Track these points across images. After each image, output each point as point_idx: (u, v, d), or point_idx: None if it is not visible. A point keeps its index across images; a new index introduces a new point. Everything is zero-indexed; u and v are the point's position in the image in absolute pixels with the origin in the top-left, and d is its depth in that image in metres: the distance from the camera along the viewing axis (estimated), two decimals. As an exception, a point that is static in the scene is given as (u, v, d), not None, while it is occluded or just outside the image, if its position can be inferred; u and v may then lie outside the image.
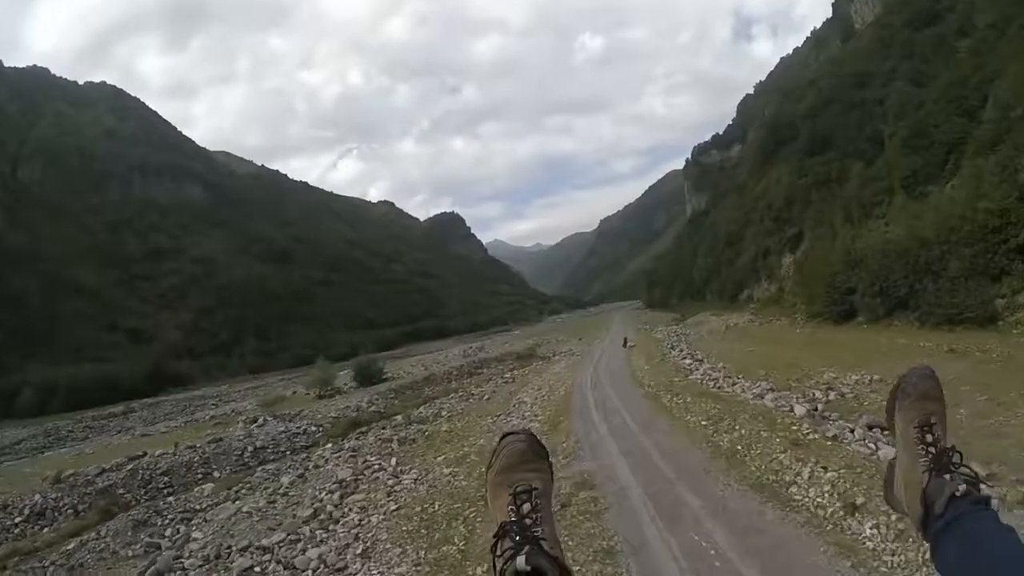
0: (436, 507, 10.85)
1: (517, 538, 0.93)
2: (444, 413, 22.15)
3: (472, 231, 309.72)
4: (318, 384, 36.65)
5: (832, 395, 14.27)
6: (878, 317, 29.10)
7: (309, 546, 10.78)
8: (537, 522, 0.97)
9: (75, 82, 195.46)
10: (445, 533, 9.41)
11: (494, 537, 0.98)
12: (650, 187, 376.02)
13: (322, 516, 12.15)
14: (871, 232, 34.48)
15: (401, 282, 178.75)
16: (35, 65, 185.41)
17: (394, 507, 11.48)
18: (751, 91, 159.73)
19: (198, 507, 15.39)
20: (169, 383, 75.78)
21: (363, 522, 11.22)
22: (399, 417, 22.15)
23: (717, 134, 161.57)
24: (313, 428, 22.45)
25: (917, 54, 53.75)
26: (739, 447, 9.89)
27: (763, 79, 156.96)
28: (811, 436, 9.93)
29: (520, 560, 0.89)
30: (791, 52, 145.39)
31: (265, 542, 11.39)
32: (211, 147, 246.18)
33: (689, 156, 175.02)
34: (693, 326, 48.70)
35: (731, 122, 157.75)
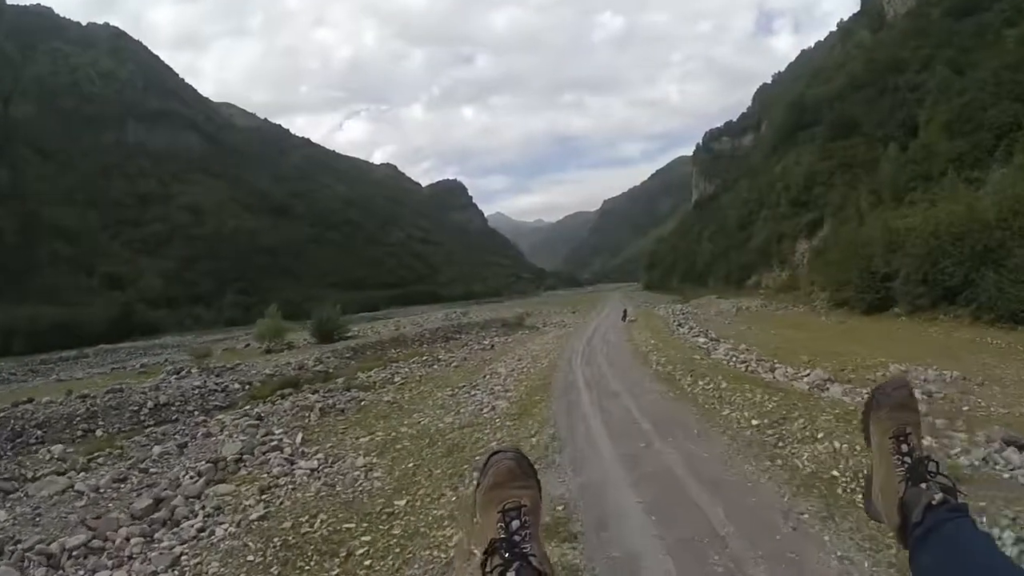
0: (316, 525, 6.61)
1: (506, 555, 0.95)
2: (397, 379, 17.86)
3: (474, 201, 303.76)
4: (267, 337, 32.57)
5: (919, 394, 10.01)
6: (919, 308, 24.96)
7: (106, 563, 6.63)
8: (526, 539, 0.98)
9: (78, 23, 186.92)
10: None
11: (483, 554, 0.99)
12: (657, 171, 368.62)
13: (159, 513, 7.91)
14: (916, 214, 30.17)
15: (396, 245, 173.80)
16: (39, 3, 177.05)
17: (257, 514, 7.20)
18: (768, 81, 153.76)
19: (31, 474, 11.21)
20: (137, 331, 71.38)
21: (203, 534, 6.97)
22: (340, 380, 17.80)
23: (731, 121, 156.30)
24: (236, 386, 18.16)
25: (956, 43, 49.55)
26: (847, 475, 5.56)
27: (782, 70, 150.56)
28: (963, 462, 5.68)
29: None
30: (812, 45, 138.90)
31: (55, 547, 7.15)
32: (216, 99, 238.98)
33: (700, 142, 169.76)
34: (699, 307, 44.20)
35: (746, 110, 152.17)
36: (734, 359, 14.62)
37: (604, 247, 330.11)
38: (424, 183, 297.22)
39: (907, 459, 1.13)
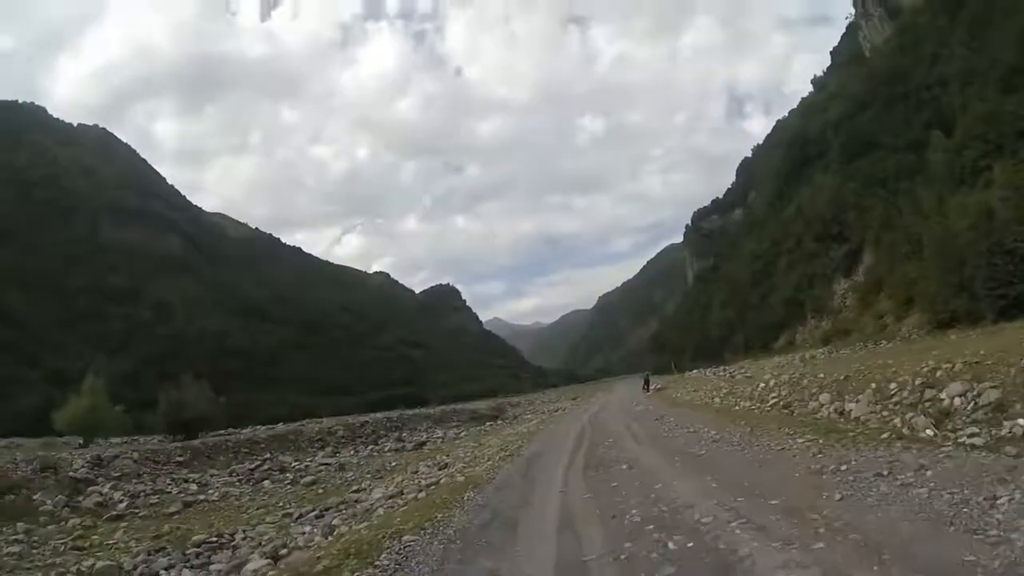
0: None
1: None
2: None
3: (471, 307, 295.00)
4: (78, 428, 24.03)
5: None
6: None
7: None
8: None
9: (70, 124, 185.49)
10: None
11: None
12: (648, 262, 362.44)
13: None
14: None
15: (385, 349, 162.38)
16: (32, 102, 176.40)
17: None
18: (749, 155, 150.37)
19: None
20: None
21: None
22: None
23: (717, 198, 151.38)
24: None
25: (958, 33, 43.47)
26: None
27: (760, 143, 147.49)
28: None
29: None
30: (787, 114, 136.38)
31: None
32: (211, 209, 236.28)
33: (688, 223, 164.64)
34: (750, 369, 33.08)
35: (731, 186, 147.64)
36: None
37: (604, 342, 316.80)
38: (419, 291, 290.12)
39: None
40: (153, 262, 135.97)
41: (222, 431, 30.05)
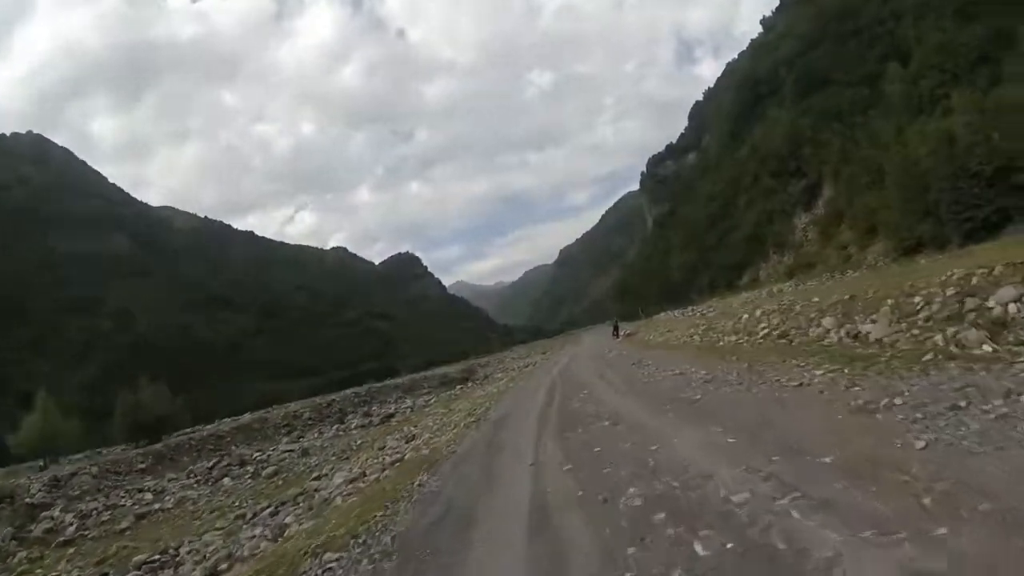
0: None
1: None
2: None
3: (432, 273, 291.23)
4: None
5: None
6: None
7: None
8: None
9: (2, 133, 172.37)
10: None
11: None
12: (606, 212, 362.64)
13: None
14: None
15: (349, 326, 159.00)
16: None
17: None
18: (700, 98, 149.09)
19: None
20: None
21: None
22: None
23: (671, 143, 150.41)
24: None
25: None
26: None
27: (711, 86, 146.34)
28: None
29: None
30: (736, 56, 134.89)
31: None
32: (162, 204, 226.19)
33: (644, 170, 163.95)
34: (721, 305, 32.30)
35: (684, 131, 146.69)
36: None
37: (567, 295, 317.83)
38: (378, 262, 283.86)
39: None
40: (104, 266, 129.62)
41: (188, 430, 29.29)
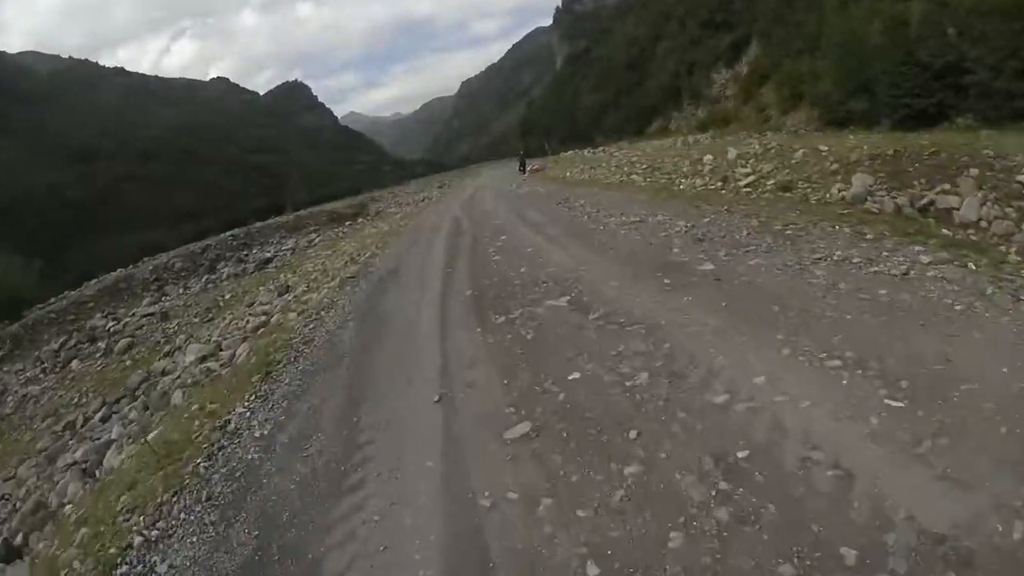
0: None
1: None
2: None
3: (324, 103, 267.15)
4: None
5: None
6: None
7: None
8: None
9: None
10: None
11: None
12: (514, 45, 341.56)
13: None
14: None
15: (232, 163, 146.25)
16: None
17: None
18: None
19: None
20: None
21: None
22: None
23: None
24: None
25: None
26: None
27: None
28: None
29: None
30: None
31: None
32: (17, 50, 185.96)
33: (559, 4, 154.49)
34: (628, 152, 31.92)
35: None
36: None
37: (469, 129, 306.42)
38: (264, 92, 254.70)
39: None
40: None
41: (52, 299, 25.68)
